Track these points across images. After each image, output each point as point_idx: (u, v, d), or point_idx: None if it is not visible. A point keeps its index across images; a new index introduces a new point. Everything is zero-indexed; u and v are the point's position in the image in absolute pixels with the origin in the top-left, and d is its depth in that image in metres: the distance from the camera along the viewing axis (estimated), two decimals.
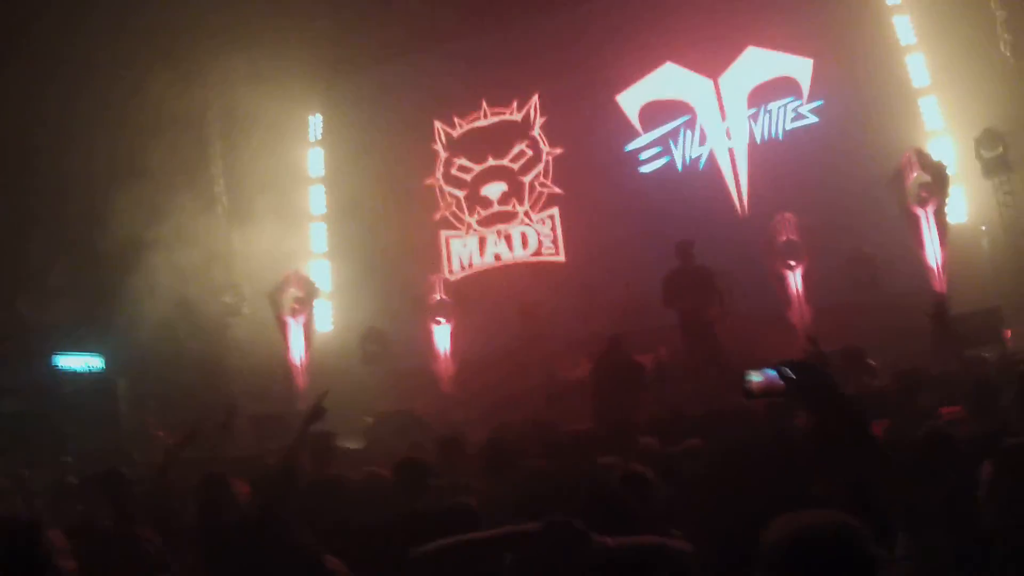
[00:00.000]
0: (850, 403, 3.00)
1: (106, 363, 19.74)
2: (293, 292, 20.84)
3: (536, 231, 22.57)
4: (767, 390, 3.19)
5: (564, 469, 7.52)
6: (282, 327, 20.94)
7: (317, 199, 24.28)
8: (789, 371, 3.14)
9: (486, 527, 5.32)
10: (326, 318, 22.99)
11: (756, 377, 3.26)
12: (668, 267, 16.40)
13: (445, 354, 20.23)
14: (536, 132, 22.89)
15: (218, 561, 5.92)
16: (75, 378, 19.02)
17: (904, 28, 19.52)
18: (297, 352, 20.90)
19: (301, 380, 20.67)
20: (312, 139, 24.63)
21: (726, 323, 16.06)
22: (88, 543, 6.40)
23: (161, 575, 6.31)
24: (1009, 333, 14.27)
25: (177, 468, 8.89)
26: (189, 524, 7.42)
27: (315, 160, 24.54)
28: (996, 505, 3.88)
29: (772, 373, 3.22)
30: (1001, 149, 17.15)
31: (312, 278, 21.98)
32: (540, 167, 22.77)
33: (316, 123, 24.66)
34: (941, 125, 18.95)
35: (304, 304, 20.95)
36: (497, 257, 22.89)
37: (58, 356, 18.90)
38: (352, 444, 15.65)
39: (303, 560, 4.68)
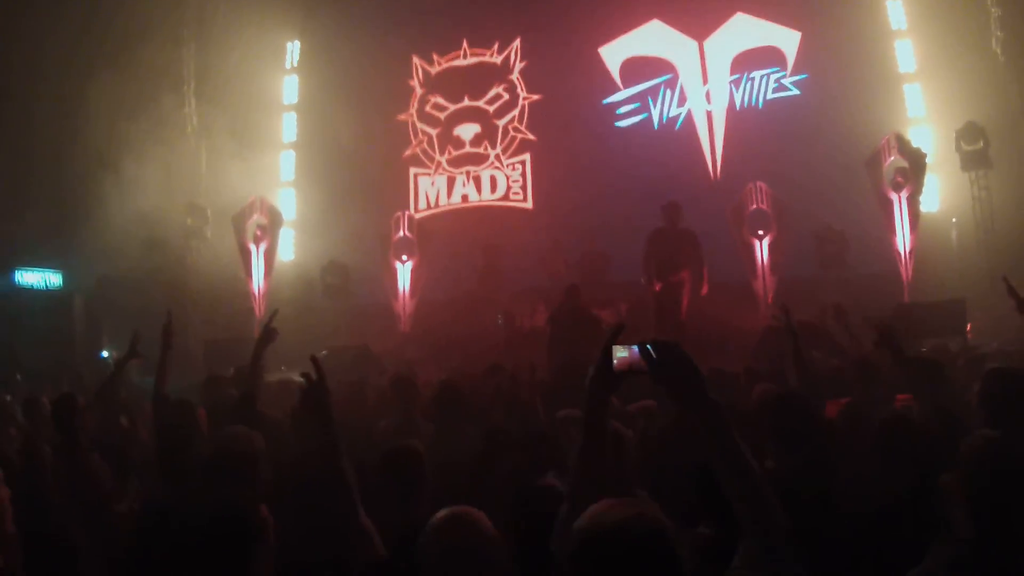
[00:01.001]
0: (710, 399, 2.90)
1: (65, 280, 19.51)
2: (257, 219, 20.59)
3: (506, 175, 22.47)
4: (629, 367, 3.05)
5: (521, 421, 7.46)
6: (244, 253, 20.69)
7: (289, 126, 23.98)
8: (651, 350, 2.94)
9: (431, 473, 5.31)
10: (288, 247, 22.75)
11: (622, 352, 3.09)
12: (640, 224, 16.27)
13: (404, 292, 20.09)
14: (515, 76, 22.71)
15: (180, 487, 5.80)
16: (32, 294, 18.79)
17: (896, 13, 19.55)
18: (257, 279, 20.69)
19: (259, 307, 20.47)
20: (288, 66, 24.27)
21: (700, 290, 15.97)
22: (29, 470, 6.45)
23: (111, 504, 6.19)
24: (970, 326, 14.34)
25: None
26: (145, 450, 7.34)
27: (290, 87, 24.21)
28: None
29: (637, 350, 3.04)
30: (981, 144, 17.28)
31: (277, 206, 21.70)
32: (515, 112, 22.62)
33: (293, 49, 24.29)
34: (923, 113, 19.09)
35: (267, 231, 20.70)
36: (465, 198, 22.78)
37: (18, 271, 18.66)
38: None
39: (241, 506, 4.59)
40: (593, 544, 2.56)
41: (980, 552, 3.65)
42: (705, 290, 15.93)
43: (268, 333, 7.61)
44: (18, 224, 18.49)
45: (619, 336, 3.12)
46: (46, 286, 19.15)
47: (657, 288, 15.83)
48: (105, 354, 12.65)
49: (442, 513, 3.72)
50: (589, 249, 19.06)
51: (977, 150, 17.37)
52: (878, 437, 5.43)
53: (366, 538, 4.16)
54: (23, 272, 18.79)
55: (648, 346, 2.95)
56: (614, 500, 2.66)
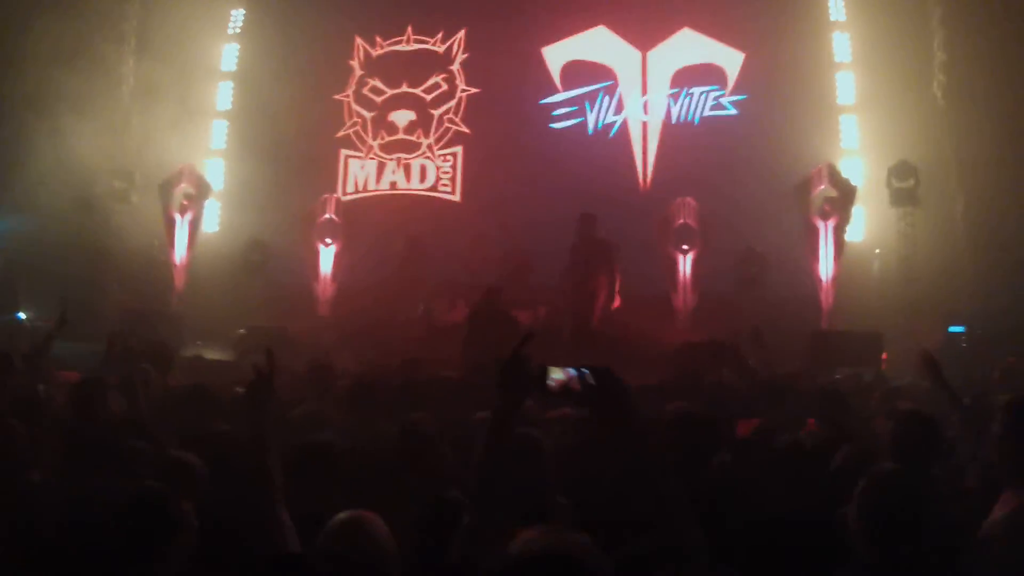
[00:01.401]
0: (641, 431, 2.95)
1: None
2: (185, 188, 20.26)
3: (436, 166, 22.41)
4: (564, 391, 3.07)
5: (437, 420, 7.46)
6: (168, 222, 20.35)
7: (224, 95, 23.56)
8: (590, 376, 2.97)
9: (344, 466, 5.32)
10: (214, 218, 22.39)
11: (558, 374, 3.08)
12: (565, 227, 16.27)
13: (326, 276, 19.96)
14: (455, 67, 22.66)
15: (81, 459, 5.77)
16: None
17: (841, 45, 19.86)
18: (179, 250, 20.41)
19: (179, 279, 20.24)
20: (230, 32, 23.92)
21: (611, 302, 16.06)
22: None
23: (27, 469, 6.15)
24: (885, 356, 14.57)
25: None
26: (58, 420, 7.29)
27: (229, 55, 23.80)
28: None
29: (574, 373, 3.04)
30: (912, 182, 17.60)
31: (206, 176, 21.42)
32: (452, 103, 22.57)
33: (237, 17, 23.90)
34: (857, 145, 19.40)
35: (194, 202, 20.39)
36: (393, 185, 22.65)
37: None
38: (221, 355, 15.49)
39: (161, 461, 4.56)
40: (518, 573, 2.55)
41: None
42: (617, 303, 16.02)
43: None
44: None
45: (526, 343, 3.15)
46: None
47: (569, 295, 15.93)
48: (22, 316, 12.41)
49: (339, 517, 3.76)
50: (514, 247, 19.05)
51: (907, 187, 17.65)
52: (780, 460, 5.55)
53: (281, 534, 4.15)
54: None
55: (586, 371, 2.95)
56: (541, 528, 2.67)
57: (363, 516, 3.81)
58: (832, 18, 20.12)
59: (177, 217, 20.26)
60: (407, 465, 5.87)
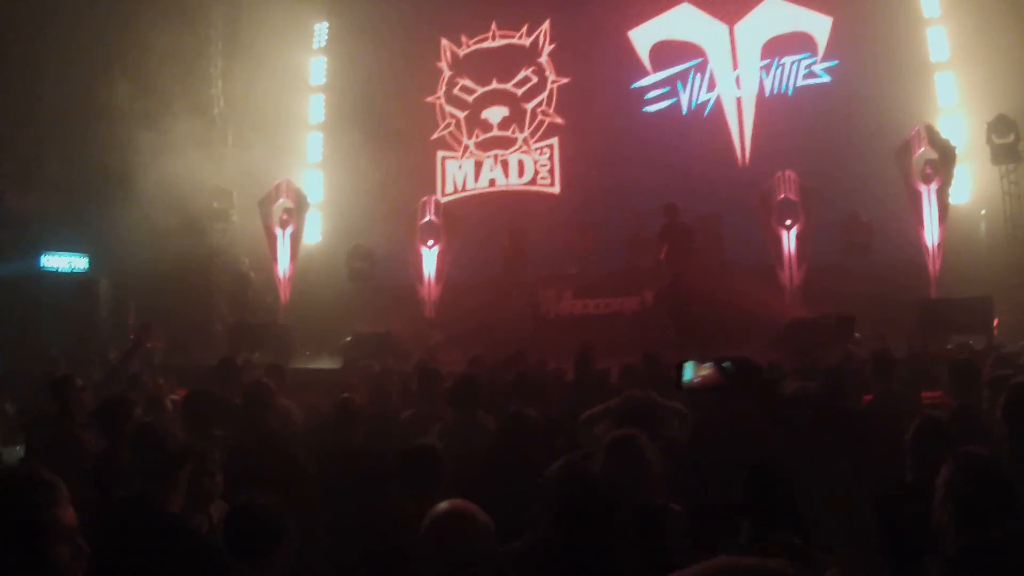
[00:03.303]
0: (789, 414, 2.84)
1: (90, 263, 19.53)
2: (283, 202, 20.54)
3: (533, 159, 22.40)
4: (703, 384, 2.97)
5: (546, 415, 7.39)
6: (270, 237, 20.65)
7: (316, 108, 23.94)
8: (731, 368, 2.86)
9: (448, 466, 5.31)
10: (315, 229, 22.72)
11: (697, 370, 3.00)
12: (661, 215, 16.20)
13: (430, 278, 20.01)
14: (543, 59, 22.63)
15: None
16: (58, 277, 18.83)
17: (929, 0, 19.23)
18: (283, 263, 20.65)
19: (284, 292, 20.49)
20: (316, 47, 24.20)
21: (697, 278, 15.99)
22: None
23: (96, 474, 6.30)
24: (996, 322, 14.16)
25: None
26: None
27: (317, 68, 24.16)
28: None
29: (711, 365, 2.94)
30: (1013, 137, 16.98)
31: (304, 189, 21.62)
32: (544, 95, 22.56)
33: (321, 31, 24.23)
34: (954, 103, 18.81)
35: (293, 215, 20.64)
36: (492, 182, 22.74)
37: (43, 254, 18.69)
38: (329, 363, 15.59)
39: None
40: None
41: (959, 570, 3.64)
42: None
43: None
44: (44, 207, 18.53)
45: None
46: (71, 270, 19.17)
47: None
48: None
49: (440, 507, 3.76)
50: (624, 235, 19.06)
51: (1008, 143, 17.07)
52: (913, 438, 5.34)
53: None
54: (48, 255, 18.82)
55: (725, 364, 2.88)
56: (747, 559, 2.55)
57: (461, 506, 3.81)
58: None
59: (278, 231, 20.50)
60: (509, 462, 5.85)
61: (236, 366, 9.61)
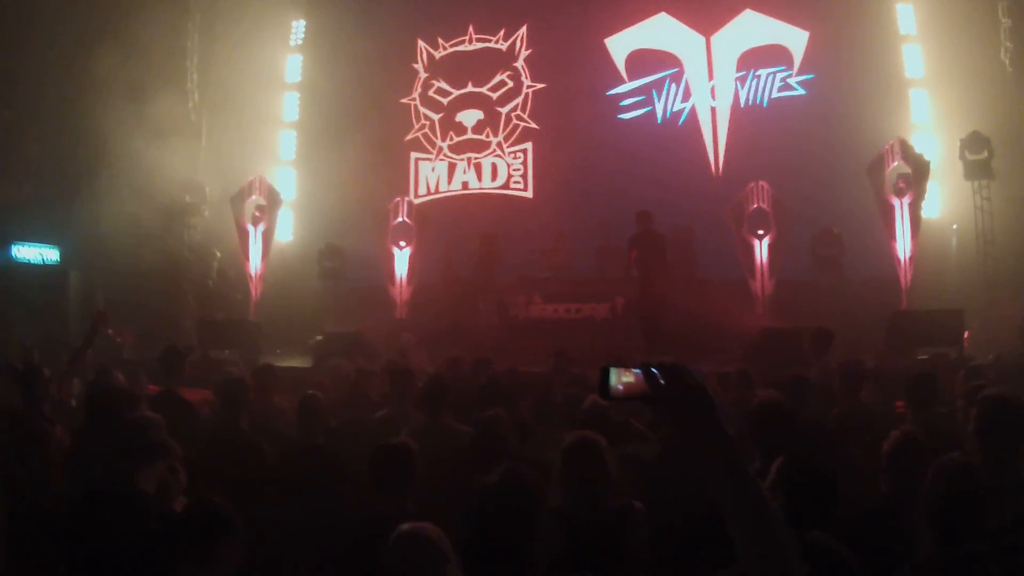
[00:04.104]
0: (722, 433, 2.59)
1: (62, 255, 19.40)
2: (256, 199, 20.40)
3: (507, 163, 22.43)
4: (628, 393, 2.72)
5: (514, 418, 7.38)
6: (241, 234, 20.50)
7: (290, 106, 23.81)
8: (658, 374, 2.56)
9: (420, 467, 5.37)
10: (287, 228, 22.64)
11: (626, 376, 2.74)
12: (633, 222, 16.22)
13: (401, 279, 19.93)
14: (519, 64, 22.66)
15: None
16: (28, 269, 18.70)
17: (906, 17, 19.57)
18: (254, 260, 20.52)
19: (255, 289, 20.37)
20: (293, 44, 24.10)
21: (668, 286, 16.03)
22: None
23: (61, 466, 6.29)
24: (967, 334, 14.28)
25: None
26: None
27: (293, 66, 24.03)
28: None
29: (638, 372, 2.71)
30: (986, 154, 17.25)
31: (276, 186, 21.51)
32: (519, 100, 22.57)
33: (298, 28, 24.12)
34: (928, 120, 19.09)
35: (265, 212, 20.51)
36: (465, 185, 22.74)
37: (15, 245, 18.56)
38: (300, 362, 15.56)
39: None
40: None
41: None
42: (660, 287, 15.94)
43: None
44: (15, 198, 18.42)
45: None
46: (43, 261, 19.05)
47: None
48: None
49: (402, 528, 3.76)
50: (596, 241, 19.19)
51: (981, 160, 17.31)
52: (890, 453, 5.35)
53: None
54: (20, 246, 18.69)
55: (653, 369, 2.67)
56: None
57: (420, 529, 3.82)
58: None
59: (250, 228, 20.38)
60: (482, 459, 5.83)
61: (181, 354, 9.58)
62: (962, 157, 17.54)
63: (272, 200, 20.78)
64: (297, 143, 23.61)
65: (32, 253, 18.91)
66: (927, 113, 19.12)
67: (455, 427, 7.19)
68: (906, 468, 5.01)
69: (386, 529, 4.00)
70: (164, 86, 19.84)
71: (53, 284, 18.47)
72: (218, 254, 20.66)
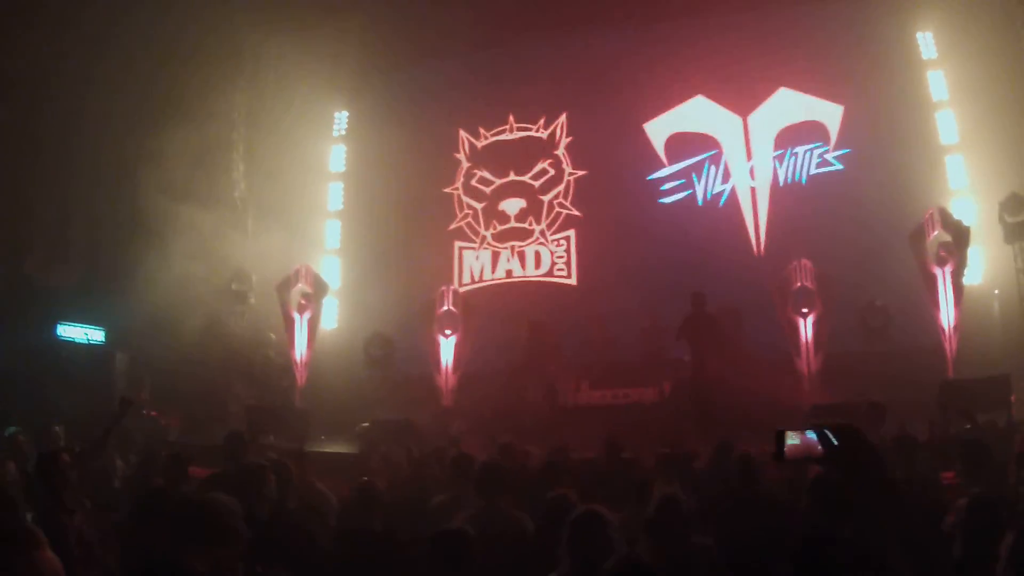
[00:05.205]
0: (895, 489, 2.67)
1: (107, 336, 19.54)
2: (301, 287, 20.57)
3: (550, 251, 22.52)
4: (803, 454, 2.82)
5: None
6: (287, 321, 20.63)
7: (335, 195, 24.17)
8: (831, 436, 2.75)
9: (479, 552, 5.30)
10: (332, 316, 22.83)
11: (793, 439, 2.87)
12: (685, 300, 16.43)
13: (447, 367, 19.94)
14: (560, 152, 22.87)
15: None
16: (74, 348, 18.82)
17: (937, 83, 19.64)
18: (300, 348, 20.63)
19: (301, 376, 20.47)
20: (336, 135, 24.52)
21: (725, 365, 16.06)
22: None
23: (85, 569, 6.18)
24: (1014, 397, 14.16)
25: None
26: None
27: (337, 156, 24.45)
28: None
29: (812, 436, 2.84)
30: None
31: (322, 275, 21.69)
32: (561, 187, 22.75)
33: (341, 119, 24.58)
34: (966, 184, 19.07)
35: (311, 300, 20.66)
36: (509, 273, 22.82)
37: (60, 325, 18.70)
38: (345, 448, 15.58)
39: None
40: None
41: None
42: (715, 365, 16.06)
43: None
44: (62, 279, 18.65)
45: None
46: (88, 341, 19.16)
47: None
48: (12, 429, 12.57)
49: None
50: (641, 325, 19.20)
51: (1020, 221, 17.19)
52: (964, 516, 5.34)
53: None
54: (65, 326, 18.82)
55: (827, 431, 2.79)
56: None
57: None
58: (924, 56, 20.02)
59: (296, 316, 20.52)
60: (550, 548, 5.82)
61: (243, 440, 9.62)
62: (1001, 220, 17.43)
63: (318, 288, 20.93)
64: (342, 232, 23.90)
65: (77, 333, 19.02)
66: (964, 178, 19.11)
67: (513, 512, 7.17)
68: (980, 531, 5.00)
69: None
70: (211, 177, 20.17)
71: (98, 364, 18.54)
72: (273, 336, 20.84)
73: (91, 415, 15.43)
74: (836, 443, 2.66)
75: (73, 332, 19.07)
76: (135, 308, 18.17)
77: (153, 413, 17.87)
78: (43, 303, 18.62)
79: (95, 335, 19.43)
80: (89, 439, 9.42)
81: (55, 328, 18.60)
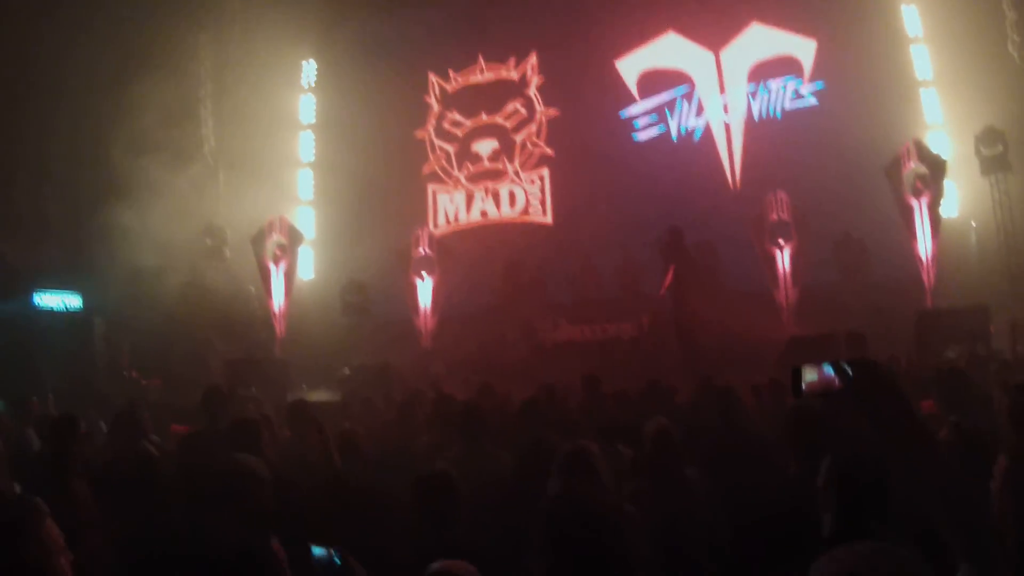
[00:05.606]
0: (918, 422, 2.65)
1: (84, 302, 19.42)
2: (276, 238, 20.57)
3: (524, 190, 22.46)
4: (822, 389, 2.81)
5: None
6: (264, 273, 20.67)
7: (306, 145, 24.05)
8: (848, 369, 2.68)
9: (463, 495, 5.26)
10: (308, 266, 22.82)
11: (811, 375, 2.85)
12: (653, 241, 16.32)
13: (425, 309, 20.02)
14: (532, 91, 22.74)
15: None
16: (52, 315, 18.71)
17: (911, 18, 19.50)
18: (277, 299, 20.65)
19: (280, 327, 20.46)
20: (305, 85, 24.32)
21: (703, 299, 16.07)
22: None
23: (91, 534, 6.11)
24: (993, 329, 14.23)
25: None
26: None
27: (306, 106, 24.28)
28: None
29: (829, 370, 2.81)
30: (1001, 148, 17.22)
31: (296, 225, 21.66)
32: (533, 126, 22.65)
33: (310, 69, 24.37)
34: (941, 119, 19.03)
35: (286, 251, 20.67)
36: (484, 214, 22.79)
37: (37, 293, 18.57)
38: (328, 396, 15.55)
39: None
40: None
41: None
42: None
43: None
44: (37, 247, 18.48)
45: None
46: (66, 308, 19.04)
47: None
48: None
49: (434, 567, 3.71)
50: (617, 261, 19.28)
51: (997, 154, 17.29)
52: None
53: None
54: (42, 294, 18.68)
55: (845, 365, 2.73)
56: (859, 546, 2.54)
57: (456, 567, 3.79)
58: None
59: (272, 267, 20.49)
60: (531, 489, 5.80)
61: (222, 394, 9.54)
62: (977, 153, 17.54)
63: (293, 239, 20.92)
64: (315, 182, 23.82)
65: (55, 301, 18.89)
66: (939, 113, 19.06)
67: (496, 452, 7.16)
68: (968, 456, 4.99)
69: (430, 561, 3.99)
70: (179, 133, 19.94)
71: (77, 330, 18.46)
72: (252, 289, 20.81)
73: (76, 381, 15.42)
74: (852, 375, 2.64)
75: (51, 300, 18.92)
76: (111, 271, 18.10)
77: (134, 374, 17.81)
78: (18, 273, 18.46)
79: (72, 301, 19.28)
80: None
81: (32, 298, 18.47)
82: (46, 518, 3.70)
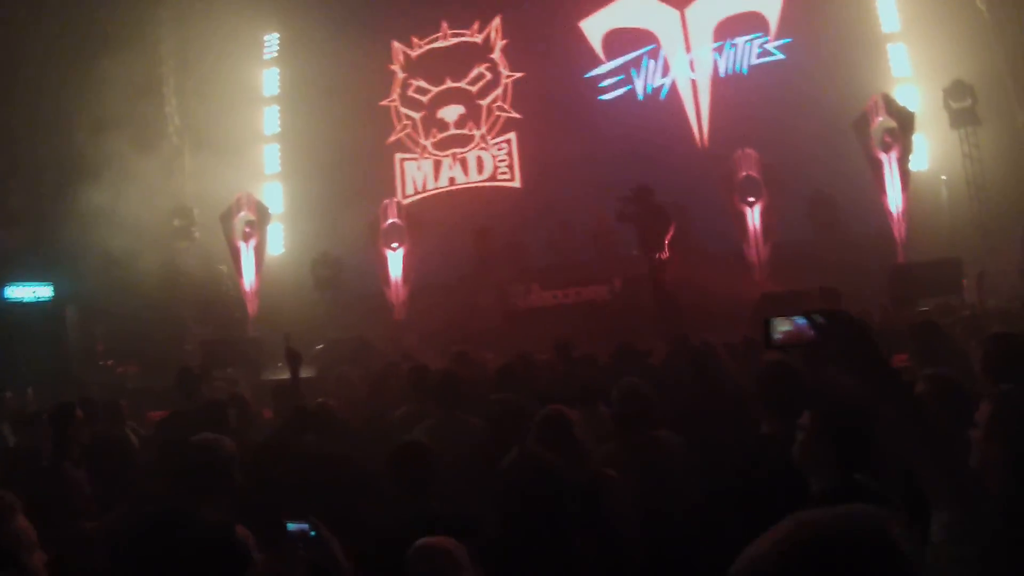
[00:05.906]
0: (889, 367, 2.68)
1: (55, 291, 19.25)
2: (245, 215, 20.42)
3: (492, 156, 22.38)
4: (794, 340, 2.81)
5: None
6: (233, 252, 20.52)
7: (271, 120, 23.84)
8: (820, 319, 2.74)
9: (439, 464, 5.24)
10: (278, 241, 22.63)
11: (783, 326, 2.85)
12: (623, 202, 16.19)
13: (397, 280, 19.93)
14: (496, 55, 22.60)
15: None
16: (24, 307, 18.55)
17: None
18: (248, 277, 20.52)
19: (252, 305, 20.35)
20: (267, 58, 24.09)
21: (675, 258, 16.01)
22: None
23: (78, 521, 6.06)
24: (964, 283, 14.27)
25: None
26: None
27: (270, 80, 24.05)
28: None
29: (801, 322, 2.82)
30: (970, 101, 17.25)
31: (264, 201, 21.52)
32: (499, 91, 22.53)
33: (271, 41, 24.11)
34: (909, 72, 19.03)
35: (256, 228, 20.53)
36: (452, 181, 22.70)
37: (7, 287, 18.40)
38: (304, 372, 15.47)
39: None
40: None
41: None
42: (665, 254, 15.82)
43: (294, 358, 7.79)
44: (3, 239, 18.31)
45: None
46: (36, 299, 18.87)
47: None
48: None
49: (419, 543, 3.71)
50: (588, 224, 19.25)
51: (965, 107, 17.32)
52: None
53: None
54: (12, 287, 18.52)
55: (816, 316, 2.78)
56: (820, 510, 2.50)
57: (436, 543, 3.77)
58: None
59: (242, 245, 20.36)
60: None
61: (194, 375, 9.49)
62: (946, 106, 17.55)
63: (261, 215, 20.80)
64: (281, 156, 23.61)
65: (25, 292, 18.73)
66: (907, 66, 19.06)
67: (472, 419, 7.11)
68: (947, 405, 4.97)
69: (408, 531, 3.97)
70: (143, 113, 19.76)
71: (50, 321, 18.33)
72: (224, 269, 20.70)
73: (52, 372, 15.29)
74: (825, 325, 2.65)
75: (21, 292, 18.77)
76: (80, 258, 17.95)
77: (109, 363, 17.71)
78: None
79: (43, 292, 19.13)
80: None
81: (2, 291, 18.32)
82: (17, 513, 3.64)
